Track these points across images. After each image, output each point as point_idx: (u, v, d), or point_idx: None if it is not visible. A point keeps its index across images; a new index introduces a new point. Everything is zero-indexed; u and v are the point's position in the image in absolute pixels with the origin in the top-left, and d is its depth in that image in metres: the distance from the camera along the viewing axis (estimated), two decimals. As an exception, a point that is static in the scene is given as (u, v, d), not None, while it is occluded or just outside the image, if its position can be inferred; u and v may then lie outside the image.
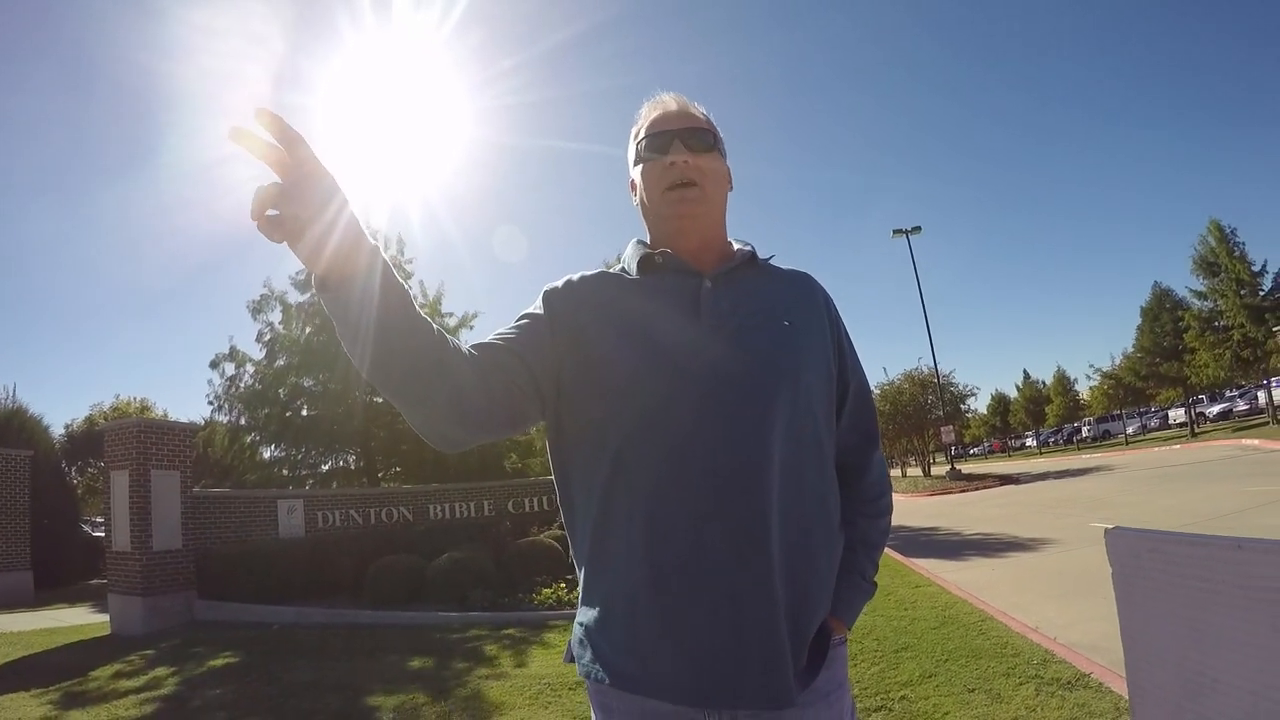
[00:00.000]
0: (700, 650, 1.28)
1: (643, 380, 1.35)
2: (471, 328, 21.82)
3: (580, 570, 1.48)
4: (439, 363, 1.21)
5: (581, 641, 1.44)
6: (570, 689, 5.85)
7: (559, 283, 1.52)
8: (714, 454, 1.29)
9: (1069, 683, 4.90)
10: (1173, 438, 40.65)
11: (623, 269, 1.57)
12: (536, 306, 1.49)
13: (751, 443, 1.30)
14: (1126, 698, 4.32)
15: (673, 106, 1.57)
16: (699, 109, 1.60)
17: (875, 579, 1.57)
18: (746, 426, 1.30)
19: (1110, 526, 1.18)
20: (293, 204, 1.04)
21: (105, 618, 11.43)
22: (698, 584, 1.29)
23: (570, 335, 1.43)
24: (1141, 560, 1.17)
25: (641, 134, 1.57)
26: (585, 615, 1.44)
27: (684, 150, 1.50)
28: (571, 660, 1.48)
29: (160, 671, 7.80)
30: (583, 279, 1.53)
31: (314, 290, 1.18)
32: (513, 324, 1.46)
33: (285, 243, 1.06)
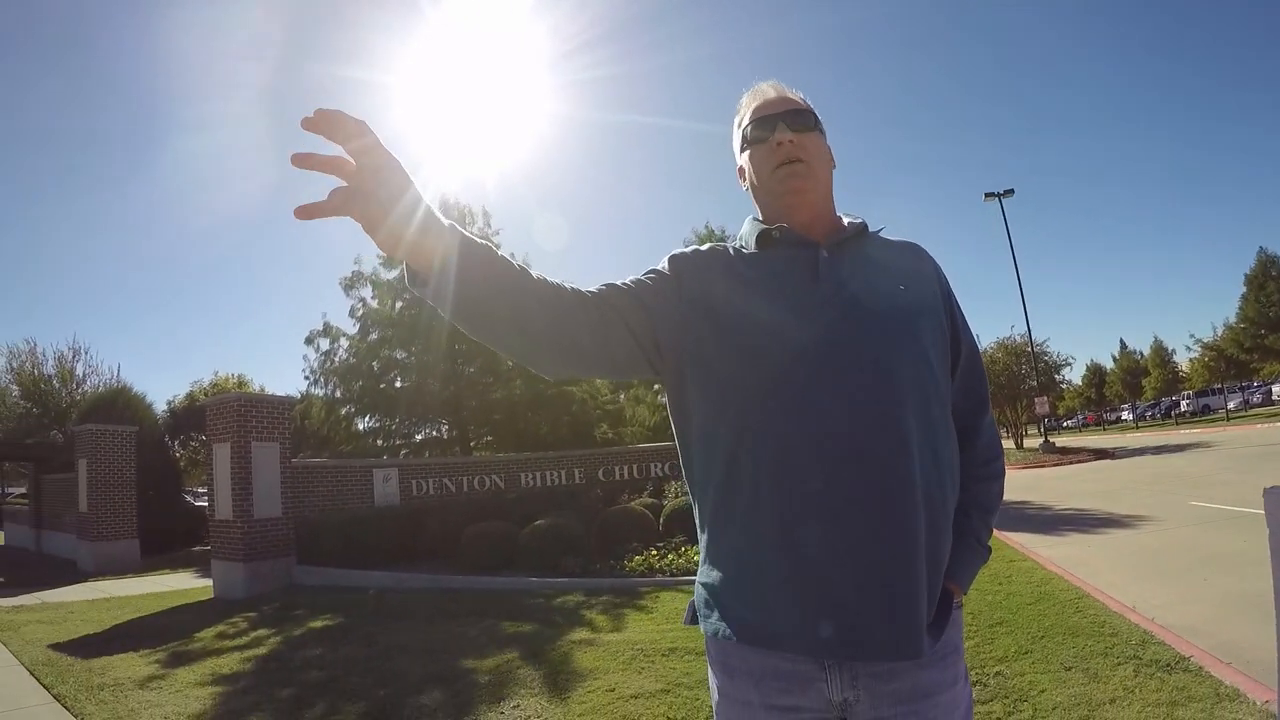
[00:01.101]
0: (830, 601, 1.31)
1: (769, 344, 1.39)
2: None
3: (704, 531, 1.51)
4: (546, 321, 1.32)
5: (707, 601, 1.47)
6: (664, 655, 5.91)
7: (686, 250, 1.58)
8: (845, 415, 1.32)
9: (1168, 665, 4.79)
10: (1277, 414, 39.15)
11: (740, 245, 1.61)
12: (664, 267, 1.54)
13: (885, 404, 1.33)
14: (1227, 682, 4.28)
15: (771, 94, 1.62)
16: (797, 94, 1.64)
17: (989, 543, 1.59)
18: (878, 389, 1.33)
19: (1270, 486, 1.16)
20: (363, 202, 1.12)
21: (208, 582, 11.95)
22: (832, 538, 1.31)
23: (695, 300, 1.48)
24: None
25: (746, 121, 1.62)
26: (709, 574, 1.48)
27: (788, 131, 1.55)
28: (693, 621, 1.51)
29: (261, 632, 8.13)
30: (709, 249, 1.58)
31: (406, 284, 1.22)
32: (642, 275, 1.52)
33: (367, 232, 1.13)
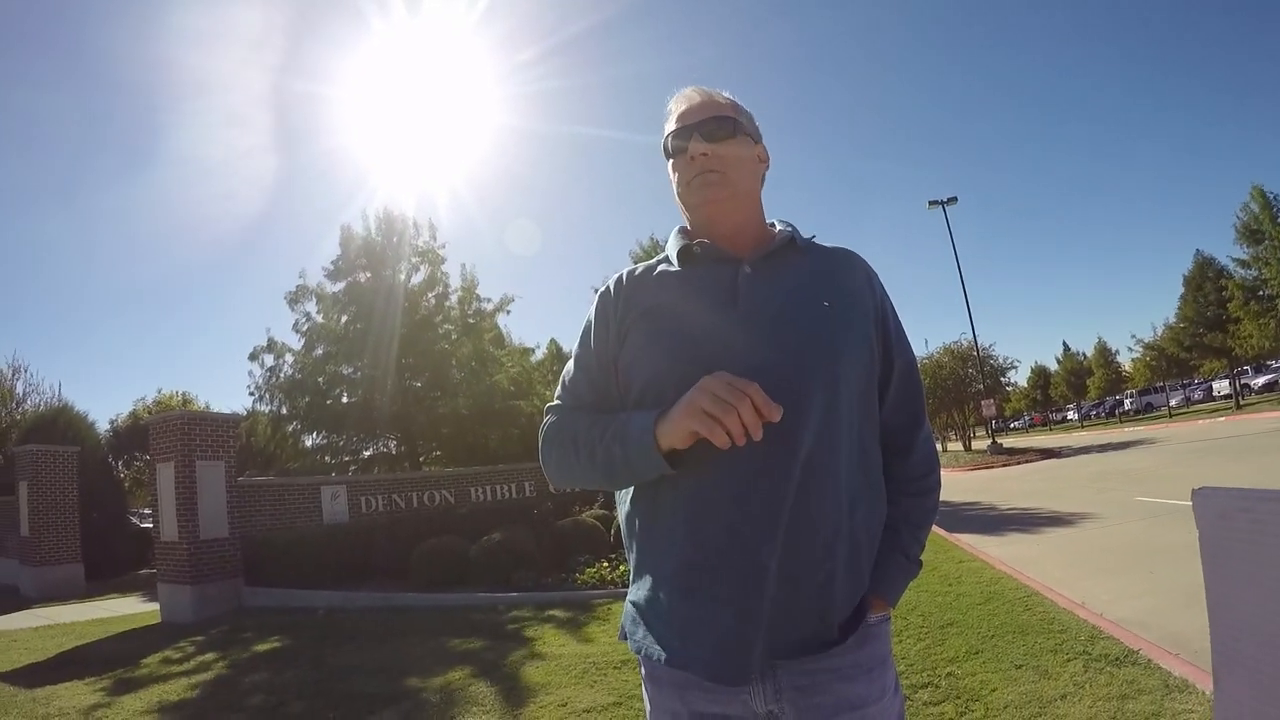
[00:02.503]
0: (713, 630, 1.34)
1: (681, 367, 1.37)
2: (508, 312, 21.94)
3: (630, 554, 1.53)
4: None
5: (634, 619, 1.50)
6: (615, 668, 5.87)
7: (610, 285, 1.61)
8: (748, 443, 1.28)
9: (1117, 659, 4.84)
10: (1217, 410, 40.05)
11: (666, 258, 1.61)
12: (594, 315, 1.60)
13: (780, 430, 1.29)
14: (1176, 673, 4.31)
15: (695, 99, 1.61)
16: (723, 96, 1.63)
17: (920, 557, 1.58)
18: (785, 415, 1.28)
19: (1199, 487, 1.14)
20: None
21: (155, 606, 11.64)
22: (721, 570, 1.34)
23: (626, 327, 1.52)
24: (1232, 521, 1.13)
25: (668, 130, 1.61)
26: (635, 594, 1.50)
27: (703, 142, 1.54)
28: (624, 637, 1.53)
29: (209, 657, 7.93)
30: (630, 278, 1.60)
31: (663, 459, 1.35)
32: (581, 356, 1.61)
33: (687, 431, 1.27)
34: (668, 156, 1.62)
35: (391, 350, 18.27)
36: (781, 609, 1.33)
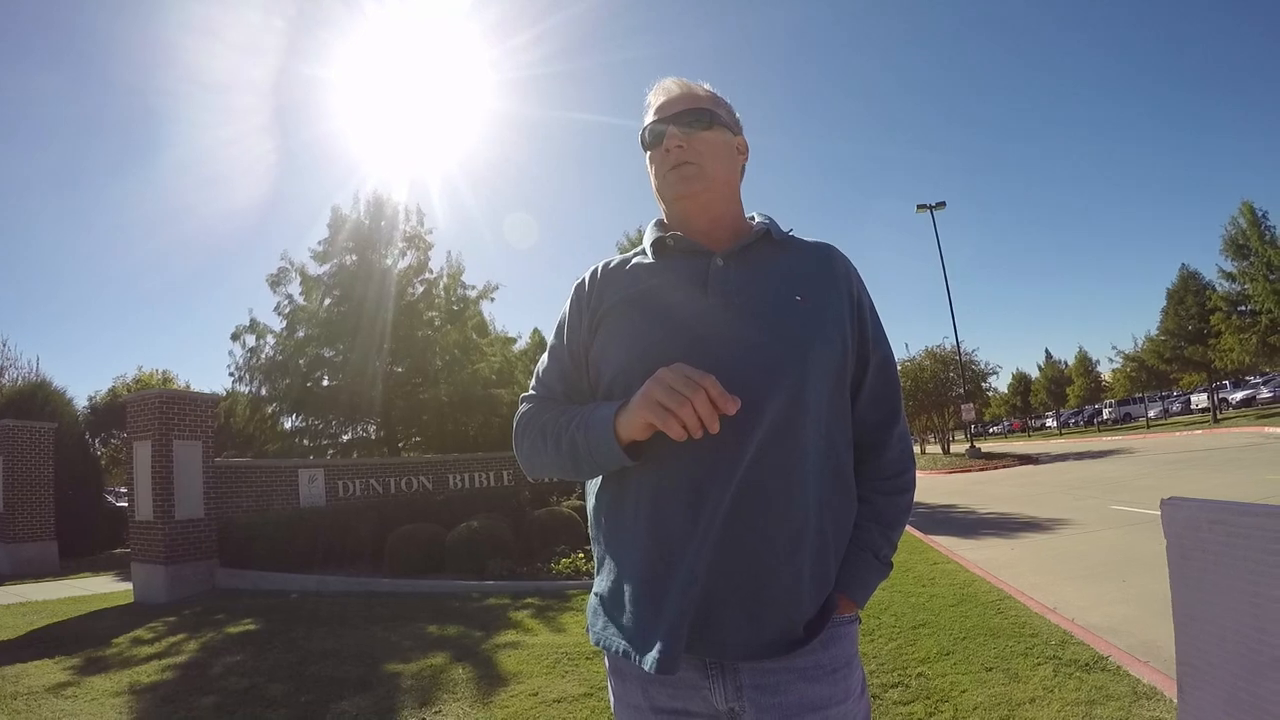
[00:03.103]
0: (665, 622, 1.32)
1: (644, 367, 1.34)
2: (492, 299, 21.82)
3: (596, 546, 1.53)
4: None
5: (595, 611, 1.49)
6: (587, 658, 5.88)
7: (585, 277, 1.61)
8: (706, 438, 1.27)
9: (1087, 664, 4.88)
10: (1194, 423, 40.28)
11: (643, 250, 1.61)
12: (569, 307, 1.61)
13: (740, 424, 1.29)
14: (1144, 680, 4.34)
15: (674, 91, 1.60)
16: (702, 87, 1.62)
17: (891, 558, 1.55)
18: (744, 410, 1.27)
19: (1168, 498, 1.15)
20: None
21: (129, 586, 11.59)
22: (679, 564, 1.32)
23: (595, 326, 1.52)
24: (1201, 532, 1.13)
25: (645, 122, 1.61)
26: (599, 586, 1.50)
27: (678, 134, 1.53)
28: (590, 629, 1.52)
29: (181, 638, 7.89)
30: (605, 270, 1.60)
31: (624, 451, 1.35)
32: (555, 347, 1.62)
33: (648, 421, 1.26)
34: (645, 148, 1.61)
35: (374, 335, 18.18)
36: (743, 606, 1.32)
